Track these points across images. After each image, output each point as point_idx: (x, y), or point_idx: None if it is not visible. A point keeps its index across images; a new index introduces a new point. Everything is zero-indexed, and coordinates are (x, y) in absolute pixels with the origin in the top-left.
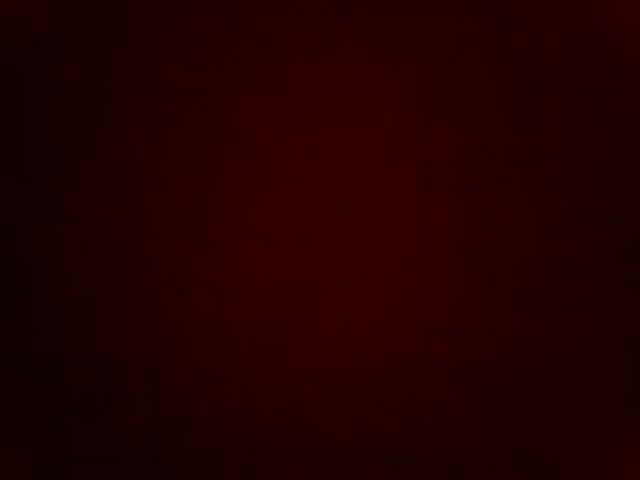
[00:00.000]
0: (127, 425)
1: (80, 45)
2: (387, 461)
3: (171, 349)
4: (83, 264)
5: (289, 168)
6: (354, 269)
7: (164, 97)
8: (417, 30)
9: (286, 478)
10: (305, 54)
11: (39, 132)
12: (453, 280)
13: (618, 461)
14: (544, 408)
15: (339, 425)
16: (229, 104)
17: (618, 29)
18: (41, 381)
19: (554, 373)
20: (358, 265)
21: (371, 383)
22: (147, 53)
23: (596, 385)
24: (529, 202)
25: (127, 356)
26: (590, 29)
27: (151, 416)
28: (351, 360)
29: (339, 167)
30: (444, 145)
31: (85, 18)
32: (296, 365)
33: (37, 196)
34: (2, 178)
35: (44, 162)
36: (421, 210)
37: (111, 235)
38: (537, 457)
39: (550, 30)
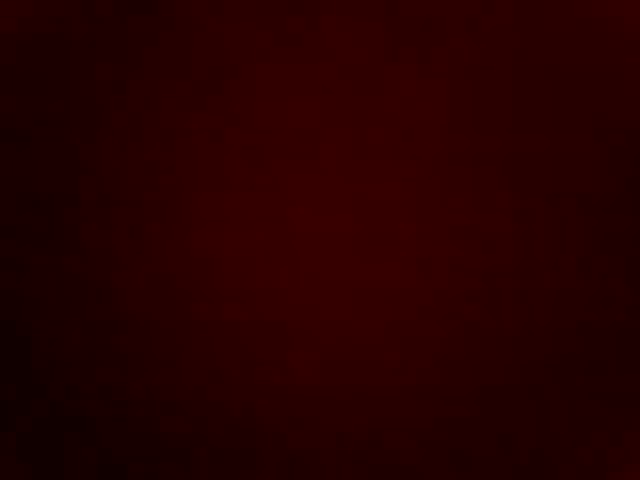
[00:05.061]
0: (126, 430)
1: (80, 45)
2: (386, 461)
3: (172, 355)
4: (80, 264)
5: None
6: (354, 273)
7: (166, 95)
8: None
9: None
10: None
11: (40, 131)
12: (453, 280)
13: (618, 461)
14: (543, 408)
15: (341, 426)
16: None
17: (618, 29)
18: (42, 387)
19: (554, 373)
20: (359, 267)
21: (373, 384)
22: (148, 52)
23: (596, 385)
24: (530, 204)
25: (127, 362)
26: (590, 29)
27: (150, 421)
28: (351, 361)
29: (342, 163)
30: (443, 146)
31: (85, 19)
32: (296, 366)
33: (37, 195)
34: (2, 178)
35: (44, 161)
36: (421, 211)
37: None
38: (536, 457)
39: (550, 30)
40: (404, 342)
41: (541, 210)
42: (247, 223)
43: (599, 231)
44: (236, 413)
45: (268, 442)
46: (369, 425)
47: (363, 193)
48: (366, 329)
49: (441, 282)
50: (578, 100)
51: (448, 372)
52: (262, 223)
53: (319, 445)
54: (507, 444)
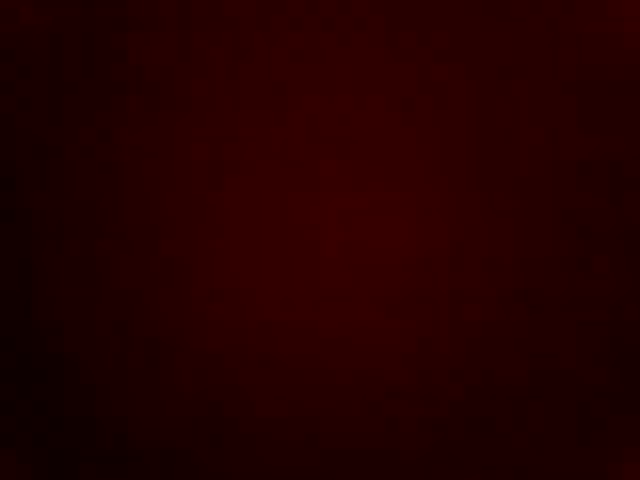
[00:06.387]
0: (127, 425)
1: (79, 44)
2: (387, 459)
3: (171, 352)
4: (83, 265)
5: (293, 168)
6: (355, 273)
7: (163, 95)
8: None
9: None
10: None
11: (39, 130)
12: (454, 281)
13: (618, 461)
14: (543, 408)
15: (342, 425)
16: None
17: (618, 29)
18: (42, 382)
19: (555, 373)
20: (359, 269)
21: (369, 385)
22: (146, 53)
23: (596, 385)
24: (531, 205)
25: (128, 356)
26: (590, 29)
27: (152, 415)
28: (353, 360)
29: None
30: (442, 146)
31: (84, 18)
32: (299, 366)
33: (36, 195)
34: (2, 177)
35: (43, 160)
36: (420, 211)
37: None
38: (536, 457)
39: (550, 30)
40: (404, 342)
41: (541, 212)
42: (248, 227)
43: (600, 230)
44: (236, 413)
45: (267, 443)
46: (369, 428)
47: (361, 197)
48: (366, 330)
49: (442, 284)
50: (579, 100)
51: (449, 373)
52: (264, 226)
53: (318, 447)
54: (507, 444)
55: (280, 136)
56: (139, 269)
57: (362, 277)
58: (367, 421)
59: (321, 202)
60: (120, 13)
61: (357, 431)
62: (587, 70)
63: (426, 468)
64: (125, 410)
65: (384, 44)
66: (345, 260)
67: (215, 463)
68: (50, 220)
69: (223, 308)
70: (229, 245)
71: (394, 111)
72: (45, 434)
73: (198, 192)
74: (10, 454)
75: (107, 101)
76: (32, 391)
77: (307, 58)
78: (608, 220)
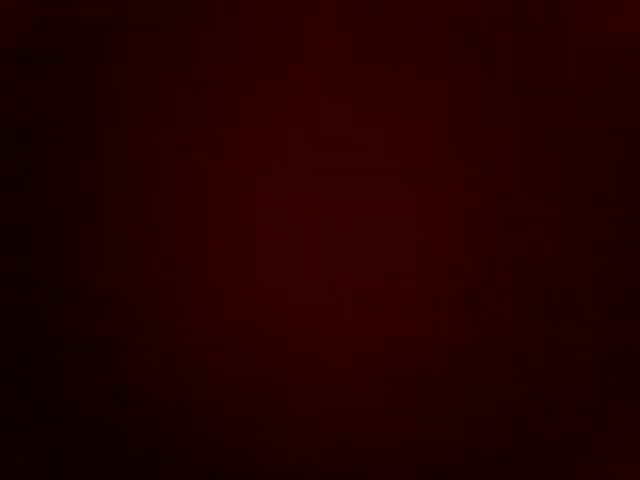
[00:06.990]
0: (127, 424)
1: (78, 46)
2: (383, 456)
3: (171, 352)
4: (78, 260)
5: (293, 167)
6: (354, 272)
7: (163, 97)
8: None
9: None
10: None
11: (39, 132)
12: (457, 282)
13: (618, 461)
14: (543, 408)
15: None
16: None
17: (618, 29)
18: (42, 378)
19: (555, 372)
20: (363, 270)
21: (372, 378)
22: (146, 55)
23: (596, 384)
24: (529, 205)
25: (128, 355)
26: (590, 29)
27: (153, 415)
28: (348, 352)
29: (340, 161)
30: (439, 148)
31: (82, 21)
32: (294, 364)
33: (37, 198)
34: (1, 179)
35: (43, 163)
36: (418, 210)
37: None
38: (535, 457)
39: (550, 30)
40: (406, 343)
41: (541, 212)
42: (249, 227)
43: (599, 230)
44: (237, 414)
45: (267, 444)
46: (371, 428)
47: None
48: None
49: (443, 285)
50: (579, 101)
51: (450, 375)
52: (262, 229)
53: (319, 447)
54: (506, 443)
55: (281, 136)
56: (139, 270)
57: (364, 278)
58: (368, 421)
59: (322, 203)
60: (120, 13)
61: (359, 431)
62: (587, 70)
63: (432, 467)
64: (126, 410)
65: (384, 44)
66: (349, 261)
67: (214, 463)
68: (50, 219)
69: (223, 307)
70: (229, 245)
71: (397, 113)
72: (45, 433)
73: (197, 192)
74: (10, 453)
75: (107, 101)
76: (32, 391)
77: (307, 58)
78: (610, 221)
